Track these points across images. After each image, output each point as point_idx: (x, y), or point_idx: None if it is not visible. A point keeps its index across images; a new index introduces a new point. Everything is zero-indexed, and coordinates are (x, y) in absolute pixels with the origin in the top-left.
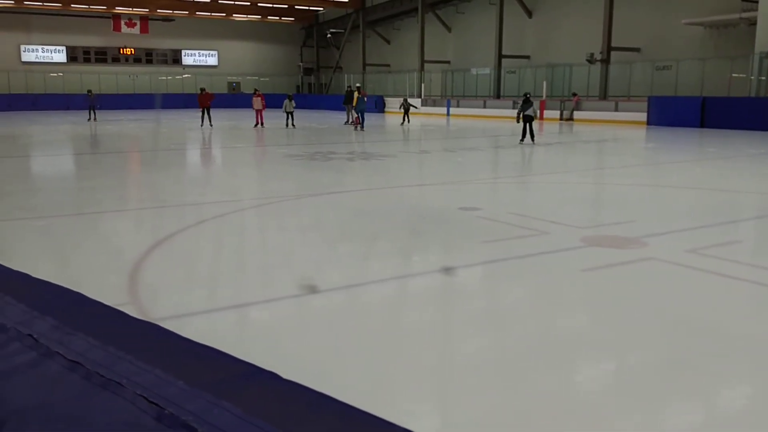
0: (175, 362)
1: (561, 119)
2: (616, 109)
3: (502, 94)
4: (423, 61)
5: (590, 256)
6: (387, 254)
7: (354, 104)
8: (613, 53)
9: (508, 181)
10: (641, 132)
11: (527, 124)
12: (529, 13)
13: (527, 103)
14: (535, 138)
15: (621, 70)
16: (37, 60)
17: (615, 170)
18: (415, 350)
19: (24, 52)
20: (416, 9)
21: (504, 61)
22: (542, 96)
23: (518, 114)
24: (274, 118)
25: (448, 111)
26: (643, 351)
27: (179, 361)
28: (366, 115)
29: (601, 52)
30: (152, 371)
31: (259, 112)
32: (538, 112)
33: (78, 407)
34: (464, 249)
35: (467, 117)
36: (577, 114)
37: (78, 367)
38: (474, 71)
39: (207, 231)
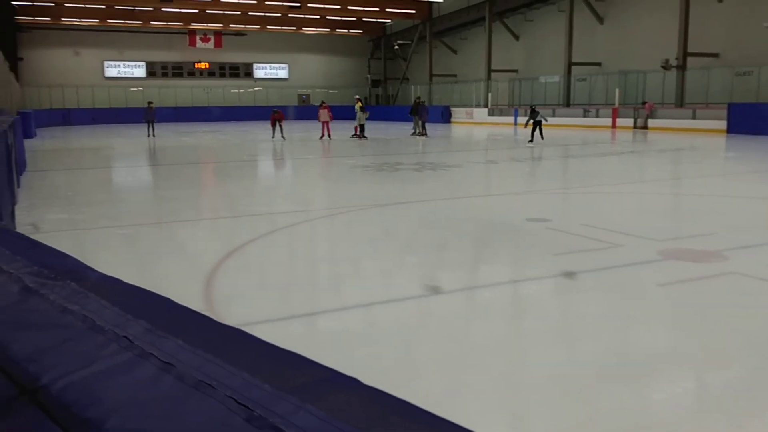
0: (261, 366)
1: (635, 128)
2: (694, 117)
3: (571, 102)
4: (490, 70)
5: (668, 270)
6: (456, 266)
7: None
8: (689, 59)
9: (578, 192)
10: (720, 140)
11: (536, 128)
12: (600, 19)
13: (534, 113)
14: (543, 137)
15: (698, 77)
16: (119, 75)
17: (692, 180)
18: (486, 363)
19: (107, 68)
20: (483, 18)
21: (574, 68)
22: (614, 104)
23: (527, 122)
24: (343, 130)
25: (515, 120)
26: (727, 369)
27: (264, 365)
28: (433, 126)
29: (676, 58)
30: (240, 374)
31: (325, 123)
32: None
33: (173, 406)
34: (535, 261)
35: None
36: (651, 122)
37: (171, 368)
38: (542, 79)
39: (279, 240)
